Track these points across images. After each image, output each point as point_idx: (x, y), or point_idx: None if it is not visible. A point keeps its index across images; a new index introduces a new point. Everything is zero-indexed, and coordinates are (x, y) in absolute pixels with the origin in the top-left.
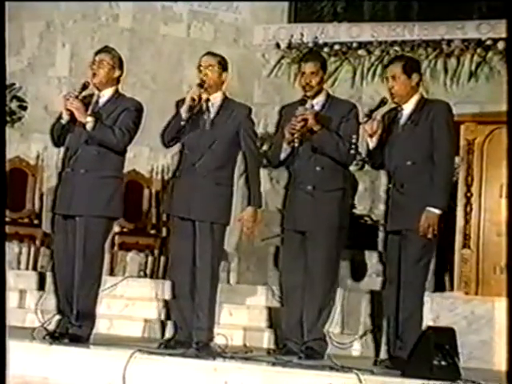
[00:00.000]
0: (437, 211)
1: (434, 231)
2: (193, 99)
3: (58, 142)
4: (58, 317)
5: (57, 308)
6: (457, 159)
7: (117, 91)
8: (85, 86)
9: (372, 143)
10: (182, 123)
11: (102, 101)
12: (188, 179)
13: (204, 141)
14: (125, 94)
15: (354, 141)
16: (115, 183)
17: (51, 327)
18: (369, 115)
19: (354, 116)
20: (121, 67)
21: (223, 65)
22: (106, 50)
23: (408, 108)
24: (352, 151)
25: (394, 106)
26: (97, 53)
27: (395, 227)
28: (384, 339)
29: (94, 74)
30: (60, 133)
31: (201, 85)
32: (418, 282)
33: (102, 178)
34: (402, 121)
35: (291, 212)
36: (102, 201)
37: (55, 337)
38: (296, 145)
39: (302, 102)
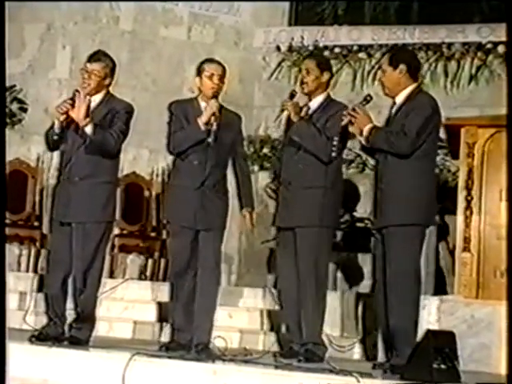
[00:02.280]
0: None
1: None
2: (214, 114)
3: (52, 147)
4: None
5: (45, 310)
6: (457, 163)
7: (107, 93)
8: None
9: (363, 139)
10: (205, 137)
11: (93, 105)
12: (195, 192)
13: (211, 158)
14: (115, 96)
15: (335, 143)
16: (109, 188)
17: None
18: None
19: (339, 116)
20: (112, 74)
21: (225, 74)
22: (98, 57)
23: (398, 101)
24: (333, 150)
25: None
26: (89, 58)
27: (378, 225)
28: (380, 344)
29: (85, 84)
30: (54, 141)
31: (215, 96)
32: (404, 285)
33: (97, 185)
34: (392, 114)
35: (279, 210)
36: (97, 207)
37: (39, 338)
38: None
39: (291, 95)
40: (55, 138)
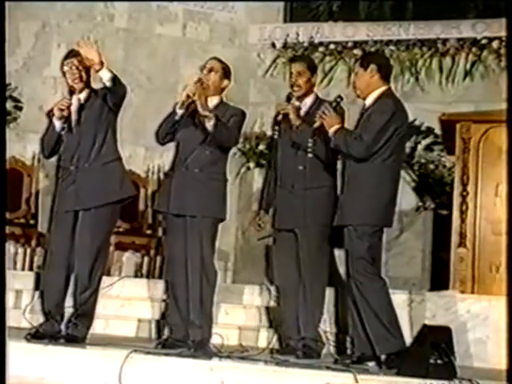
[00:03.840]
0: None
1: None
2: (188, 96)
3: (50, 153)
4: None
5: (41, 308)
6: (452, 158)
7: (91, 90)
8: (72, 92)
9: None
10: (176, 118)
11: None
12: (180, 175)
13: (196, 136)
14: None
15: (309, 144)
16: (119, 165)
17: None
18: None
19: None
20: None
21: (226, 72)
22: (74, 53)
23: (368, 102)
24: (309, 152)
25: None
26: (66, 56)
27: (337, 223)
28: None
29: (75, 80)
30: (54, 143)
31: (201, 84)
32: (366, 283)
33: (106, 164)
34: (361, 116)
35: (279, 211)
36: (113, 186)
37: (35, 336)
38: (275, 137)
39: (288, 99)
40: (62, 132)
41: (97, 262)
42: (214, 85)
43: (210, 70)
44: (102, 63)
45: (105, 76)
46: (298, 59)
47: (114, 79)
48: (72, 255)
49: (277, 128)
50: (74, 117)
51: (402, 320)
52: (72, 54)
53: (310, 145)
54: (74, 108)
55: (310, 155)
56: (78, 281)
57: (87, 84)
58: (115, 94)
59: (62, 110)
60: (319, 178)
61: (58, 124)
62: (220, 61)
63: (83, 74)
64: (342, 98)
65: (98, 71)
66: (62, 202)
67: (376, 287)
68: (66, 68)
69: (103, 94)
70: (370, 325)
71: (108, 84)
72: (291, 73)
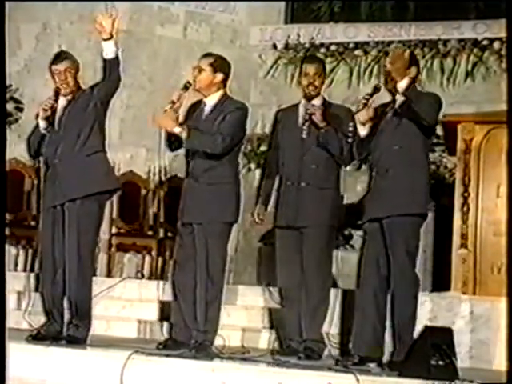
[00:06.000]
0: None
1: None
2: (173, 102)
3: (35, 153)
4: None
5: (43, 309)
6: (454, 159)
7: (79, 88)
8: (57, 94)
9: (364, 131)
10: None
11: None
12: (187, 184)
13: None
14: (84, 88)
15: (350, 140)
16: (103, 157)
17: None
18: (365, 103)
19: (351, 119)
20: (78, 69)
21: (216, 66)
22: (64, 57)
23: (401, 97)
24: (348, 142)
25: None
26: (54, 60)
27: (378, 215)
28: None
29: (63, 84)
30: (38, 143)
31: (185, 86)
32: (409, 277)
33: (89, 156)
34: (400, 101)
35: (285, 209)
36: (97, 177)
37: (36, 337)
38: (304, 136)
39: (308, 99)
40: (43, 131)
41: (85, 260)
42: (206, 83)
43: (198, 69)
44: (111, 35)
45: (109, 48)
46: (315, 60)
47: (116, 57)
48: (62, 254)
49: (305, 128)
50: (58, 114)
51: None
52: (62, 57)
53: (350, 134)
54: (60, 107)
55: (350, 139)
56: (70, 279)
57: (75, 86)
58: (112, 73)
59: (45, 110)
60: (331, 178)
61: (41, 124)
62: (208, 56)
63: (71, 78)
64: (381, 87)
65: (104, 40)
66: (49, 197)
67: (415, 291)
68: (55, 72)
69: (91, 88)
70: (403, 331)
71: (107, 56)
72: (306, 73)
